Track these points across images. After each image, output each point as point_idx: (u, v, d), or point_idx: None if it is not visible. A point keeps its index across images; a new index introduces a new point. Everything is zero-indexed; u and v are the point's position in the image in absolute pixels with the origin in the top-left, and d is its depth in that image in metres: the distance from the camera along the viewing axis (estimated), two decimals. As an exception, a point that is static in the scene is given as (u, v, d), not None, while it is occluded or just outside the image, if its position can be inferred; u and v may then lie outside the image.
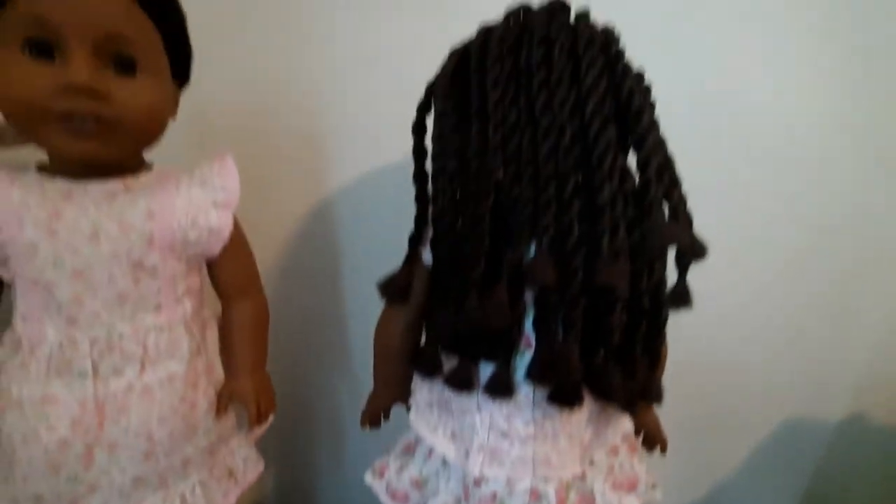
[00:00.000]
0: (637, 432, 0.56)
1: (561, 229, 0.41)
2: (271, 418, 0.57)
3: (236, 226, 0.50)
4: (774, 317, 0.79)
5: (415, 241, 0.49)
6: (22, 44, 0.37)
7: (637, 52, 0.45)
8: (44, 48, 0.37)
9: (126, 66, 0.40)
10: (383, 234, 0.72)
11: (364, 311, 0.69)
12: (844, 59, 0.68)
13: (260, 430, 0.58)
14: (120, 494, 0.45)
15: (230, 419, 0.53)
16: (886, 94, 0.69)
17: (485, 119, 0.43)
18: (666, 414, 0.79)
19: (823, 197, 0.73)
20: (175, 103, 0.48)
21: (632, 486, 0.51)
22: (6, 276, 0.43)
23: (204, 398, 0.49)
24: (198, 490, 0.49)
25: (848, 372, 0.83)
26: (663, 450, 0.55)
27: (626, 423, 0.50)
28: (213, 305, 0.54)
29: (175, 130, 0.48)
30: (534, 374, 0.42)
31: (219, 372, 0.52)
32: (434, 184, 0.45)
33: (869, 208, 0.74)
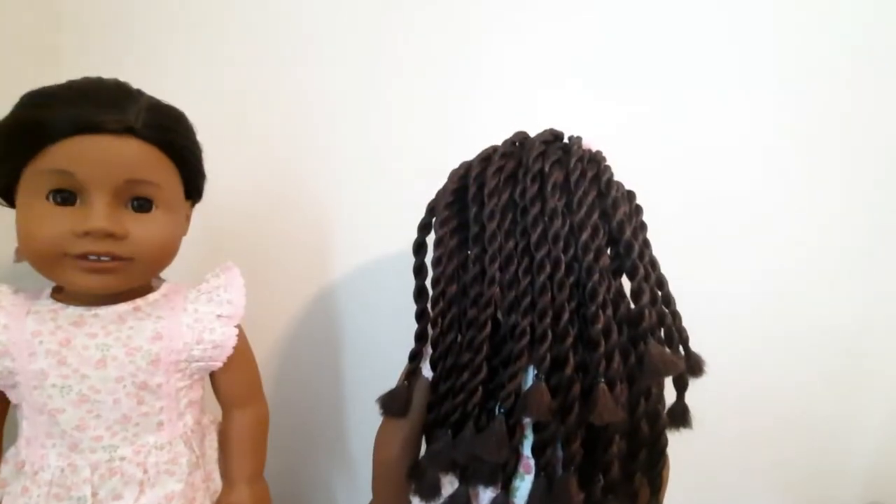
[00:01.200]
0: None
1: (557, 360, 0.41)
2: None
3: (241, 338, 0.51)
4: (780, 399, 0.78)
5: (415, 358, 0.50)
6: (47, 193, 0.40)
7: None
8: (67, 196, 0.40)
9: (143, 203, 0.43)
10: (385, 324, 0.73)
11: (364, 404, 0.69)
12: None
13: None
14: None
15: (226, 530, 0.52)
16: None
17: (482, 246, 0.45)
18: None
19: (830, 277, 0.74)
20: (187, 220, 0.50)
21: None
22: (14, 400, 0.44)
23: (201, 513, 0.49)
24: None
25: (859, 457, 0.81)
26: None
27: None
28: (213, 409, 0.55)
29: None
30: None
31: (216, 482, 0.52)
32: (433, 307, 0.47)
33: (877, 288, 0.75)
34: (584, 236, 0.43)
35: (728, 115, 0.70)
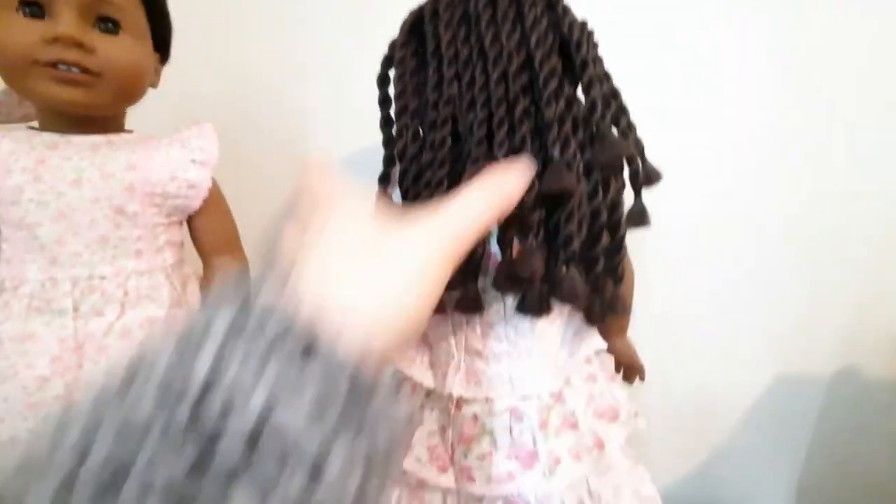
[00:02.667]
0: (617, 368, 0.57)
1: (514, 146, 0.44)
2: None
3: (215, 186, 0.53)
4: (748, 280, 0.81)
5: (383, 181, 0.52)
6: (17, 5, 0.41)
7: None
8: (36, 9, 0.42)
9: (110, 26, 0.45)
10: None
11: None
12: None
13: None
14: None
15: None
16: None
17: (440, 58, 0.47)
18: (650, 395, 0.79)
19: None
20: (156, 73, 0.52)
21: (614, 416, 0.51)
22: (-7, 225, 0.45)
23: (185, 348, 0.50)
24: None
25: (833, 329, 0.83)
26: (641, 377, 0.56)
27: (597, 340, 0.51)
28: (196, 266, 0.56)
29: (162, 120, 0.53)
30: (498, 281, 0.43)
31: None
32: (398, 122, 0.49)
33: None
34: (535, 36, 0.45)
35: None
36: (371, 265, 0.22)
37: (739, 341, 0.82)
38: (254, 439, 0.15)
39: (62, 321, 0.44)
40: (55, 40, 0.41)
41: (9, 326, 0.43)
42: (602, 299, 0.47)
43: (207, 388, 0.15)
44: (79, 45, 0.42)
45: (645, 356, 0.81)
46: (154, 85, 0.52)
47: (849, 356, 0.83)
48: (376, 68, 0.53)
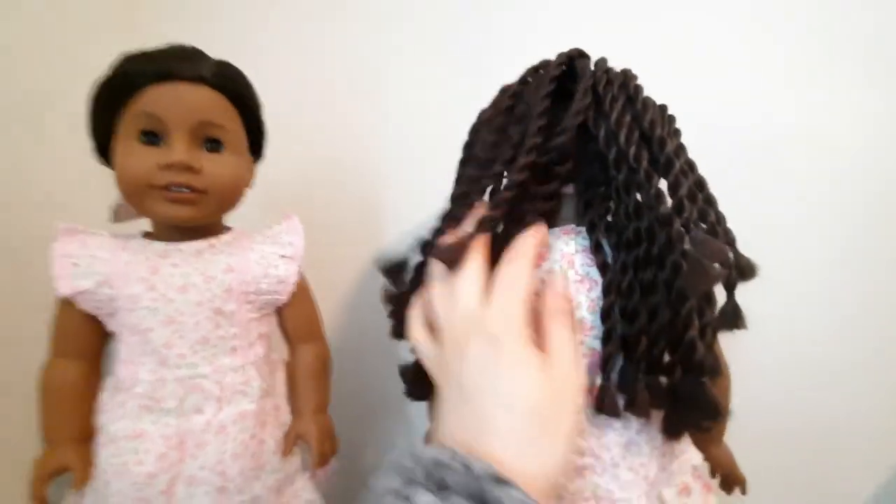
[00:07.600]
0: (712, 473, 0.52)
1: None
2: (333, 463, 0.59)
3: (302, 277, 0.56)
4: (859, 359, 0.73)
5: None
6: (137, 135, 0.47)
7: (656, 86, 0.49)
8: (152, 136, 0.47)
9: (215, 145, 0.49)
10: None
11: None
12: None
13: (323, 474, 0.59)
14: (196, 531, 0.47)
15: (296, 460, 0.55)
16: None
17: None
18: (763, 479, 0.72)
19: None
20: (252, 174, 0.56)
21: (712, 533, 0.47)
22: (112, 328, 0.50)
23: (271, 437, 0.52)
24: (265, 530, 0.50)
25: None
26: (742, 490, 0.51)
27: (694, 457, 0.47)
28: (281, 352, 0.59)
29: (250, 197, 0.56)
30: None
31: (285, 414, 0.56)
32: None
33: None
34: (623, 134, 0.43)
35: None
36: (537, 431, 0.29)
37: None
38: None
39: (167, 420, 0.47)
40: (169, 166, 0.46)
41: (122, 425, 0.47)
42: (682, 412, 0.43)
43: None
44: (189, 169, 0.46)
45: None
46: (250, 185, 0.56)
47: None
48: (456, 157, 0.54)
